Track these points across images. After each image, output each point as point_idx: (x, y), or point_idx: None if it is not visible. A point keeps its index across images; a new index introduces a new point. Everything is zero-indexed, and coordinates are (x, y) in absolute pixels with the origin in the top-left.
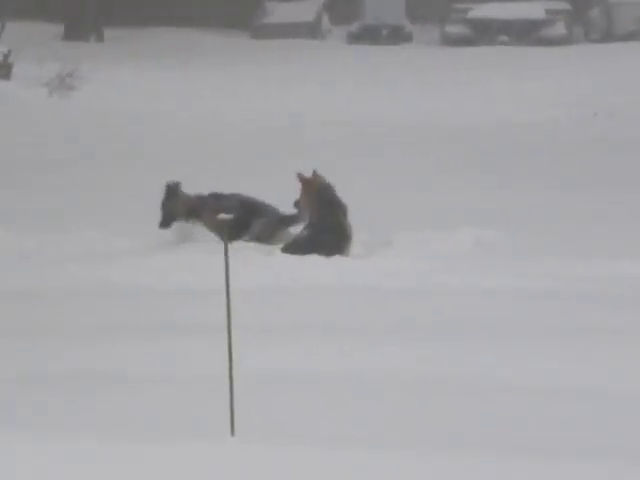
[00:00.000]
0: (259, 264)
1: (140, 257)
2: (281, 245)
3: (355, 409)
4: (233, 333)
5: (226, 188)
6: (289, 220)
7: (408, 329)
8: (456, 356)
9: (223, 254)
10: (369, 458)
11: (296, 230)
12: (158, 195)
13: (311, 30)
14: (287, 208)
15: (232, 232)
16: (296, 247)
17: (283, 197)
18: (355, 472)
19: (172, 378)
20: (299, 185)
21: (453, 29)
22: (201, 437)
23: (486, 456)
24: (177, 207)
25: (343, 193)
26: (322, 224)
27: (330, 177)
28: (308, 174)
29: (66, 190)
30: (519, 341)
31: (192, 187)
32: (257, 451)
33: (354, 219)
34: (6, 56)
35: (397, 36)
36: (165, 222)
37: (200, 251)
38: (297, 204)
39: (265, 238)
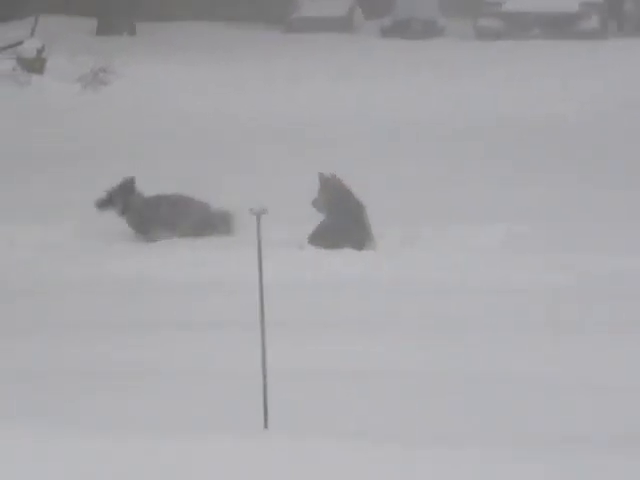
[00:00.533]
0: (290, 258)
1: (165, 252)
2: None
3: (386, 403)
4: (265, 328)
5: (262, 182)
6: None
7: (440, 324)
8: (486, 352)
9: (247, 249)
10: (399, 452)
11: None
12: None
13: (344, 24)
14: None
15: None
16: (322, 237)
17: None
18: (385, 466)
19: (204, 372)
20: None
21: (486, 22)
22: (234, 430)
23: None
24: (130, 201)
25: (376, 186)
26: (342, 215)
27: (364, 170)
28: (337, 172)
29: (95, 182)
30: (549, 337)
31: (231, 180)
32: (290, 444)
33: (385, 212)
34: (40, 51)
35: (430, 30)
36: (104, 204)
37: (223, 247)
38: (316, 203)
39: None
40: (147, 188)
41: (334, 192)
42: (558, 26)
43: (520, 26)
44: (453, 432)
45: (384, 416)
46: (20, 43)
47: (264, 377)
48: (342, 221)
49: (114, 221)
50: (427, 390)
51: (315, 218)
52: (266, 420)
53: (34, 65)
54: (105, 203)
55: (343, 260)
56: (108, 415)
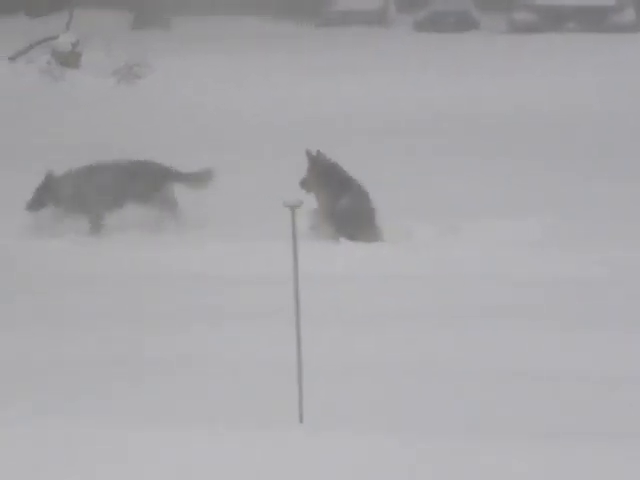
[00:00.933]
0: (324, 251)
1: (193, 245)
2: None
3: (422, 397)
4: (300, 321)
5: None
6: (176, 176)
7: (475, 316)
8: (523, 344)
9: (284, 241)
10: (435, 445)
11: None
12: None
13: (377, 18)
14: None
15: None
16: (347, 223)
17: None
18: (421, 459)
19: (238, 365)
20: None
21: (521, 16)
22: (269, 423)
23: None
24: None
25: (413, 177)
26: (343, 190)
27: (396, 163)
28: (372, 164)
29: None
30: (584, 330)
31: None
32: (325, 438)
33: (425, 204)
34: (74, 45)
35: (464, 23)
36: (34, 205)
37: (259, 238)
38: (304, 183)
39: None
40: None
41: (322, 168)
42: (593, 19)
43: (555, 19)
44: (500, 427)
45: (419, 410)
46: (55, 37)
47: (299, 371)
48: (354, 198)
49: (147, 213)
50: (473, 384)
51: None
52: (301, 414)
53: (69, 59)
54: (35, 204)
55: (376, 252)
56: (139, 405)
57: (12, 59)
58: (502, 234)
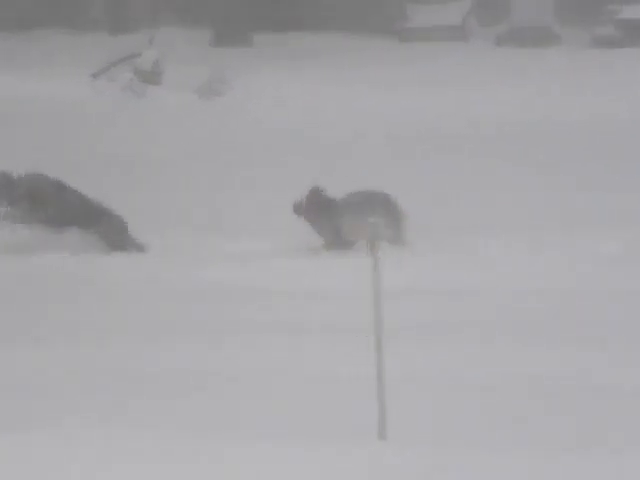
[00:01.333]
0: (389, 265)
1: (271, 260)
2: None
3: (498, 412)
4: (366, 335)
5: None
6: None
7: (557, 331)
8: (599, 361)
9: (342, 256)
10: (522, 461)
11: None
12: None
13: (458, 33)
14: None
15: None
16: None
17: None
18: (508, 475)
19: (314, 378)
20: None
21: (603, 31)
22: (349, 440)
23: None
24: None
25: (489, 192)
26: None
27: (487, 174)
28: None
29: (215, 189)
30: None
31: None
32: (407, 455)
33: (508, 217)
34: (156, 62)
35: (545, 38)
36: None
37: (314, 253)
38: (297, 208)
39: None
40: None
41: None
42: None
43: (638, 34)
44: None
45: (499, 425)
46: (137, 55)
47: (380, 386)
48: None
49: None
50: (567, 400)
51: None
52: (383, 430)
53: (151, 76)
54: None
55: (443, 266)
56: (211, 418)
57: (94, 77)
58: (581, 248)
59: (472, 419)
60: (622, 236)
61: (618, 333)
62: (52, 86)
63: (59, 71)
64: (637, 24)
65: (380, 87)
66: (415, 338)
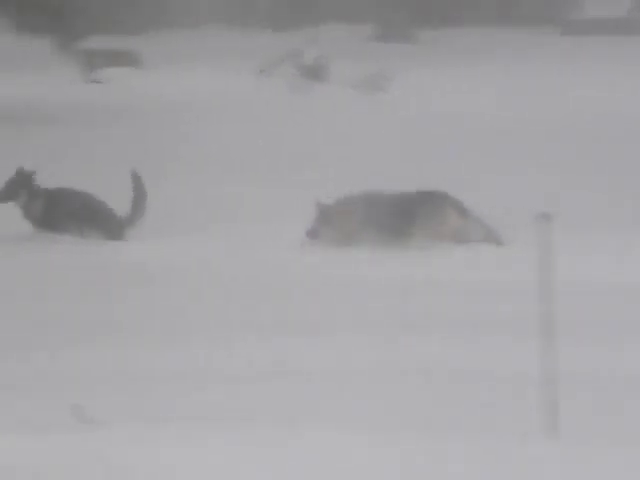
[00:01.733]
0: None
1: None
2: None
3: None
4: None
5: None
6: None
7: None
8: None
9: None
10: None
11: None
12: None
13: (628, 25)
14: None
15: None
16: None
17: None
18: None
19: (478, 375)
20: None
21: None
22: (517, 436)
23: None
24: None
25: None
26: None
27: None
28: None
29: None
30: None
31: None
32: (581, 453)
33: None
34: (320, 58)
35: None
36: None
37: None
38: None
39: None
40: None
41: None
42: None
43: None
44: None
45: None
46: (301, 51)
47: (550, 383)
48: None
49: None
50: None
51: None
52: (554, 429)
53: (315, 72)
54: (4, 195)
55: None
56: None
57: (259, 73)
58: None
59: None
60: None
61: None
62: (217, 82)
63: (224, 67)
64: None
65: (540, 82)
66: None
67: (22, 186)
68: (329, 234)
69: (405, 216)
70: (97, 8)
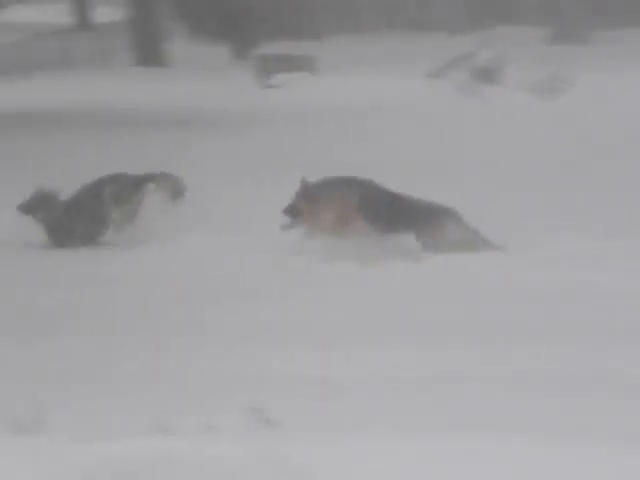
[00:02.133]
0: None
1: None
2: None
3: None
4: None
5: None
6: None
7: None
8: None
9: None
10: None
11: None
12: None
13: None
14: None
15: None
16: None
17: None
18: None
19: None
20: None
21: None
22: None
23: None
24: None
25: None
26: None
27: None
28: None
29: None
30: None
31: None
32: None
33: None
34: (494, 61)
35: None
36: (27, 209)
37: None
38: (291, 210)
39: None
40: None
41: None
42: None
43: None
44: None
45: None
46: (474, 54)
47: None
48: None
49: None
50: None
51: None
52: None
53: (486, 75)
54: (27, 208)
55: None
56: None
57: (431, 76)
58: None
59: None
60: None
61: None
62: (389, 85)
63: (397, 71)
64: None
65: None
66: None
67: (41, 205)
68: (311, 218)
69: (405, 217)
70: (273, 15)
